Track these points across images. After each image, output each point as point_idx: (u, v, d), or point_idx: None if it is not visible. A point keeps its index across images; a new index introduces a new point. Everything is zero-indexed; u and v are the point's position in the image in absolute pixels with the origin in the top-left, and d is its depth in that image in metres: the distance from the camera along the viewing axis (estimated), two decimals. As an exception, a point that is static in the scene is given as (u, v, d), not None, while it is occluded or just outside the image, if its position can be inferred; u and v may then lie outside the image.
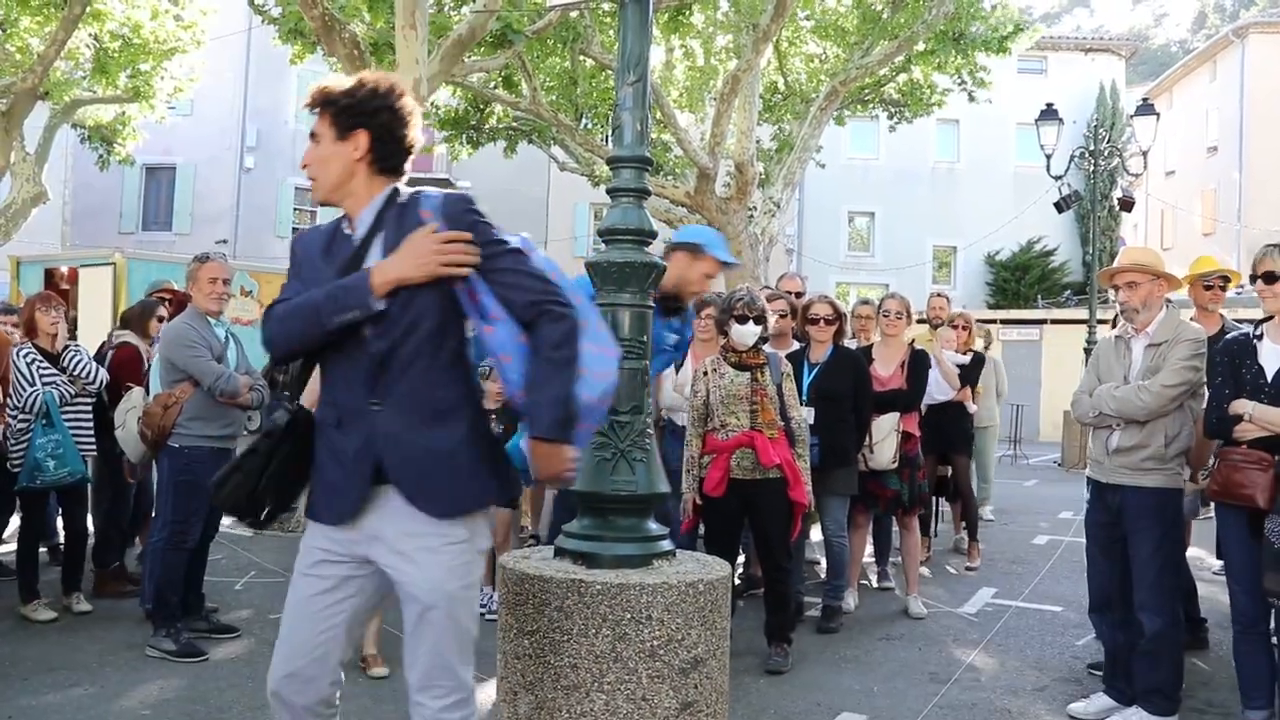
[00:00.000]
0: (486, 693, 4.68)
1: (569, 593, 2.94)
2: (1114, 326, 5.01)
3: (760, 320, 5.21)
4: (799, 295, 6.70)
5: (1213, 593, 6.21)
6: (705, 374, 5.26)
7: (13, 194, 15.06)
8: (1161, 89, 36.43)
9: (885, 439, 6.13)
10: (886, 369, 6.36)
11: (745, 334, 5.16)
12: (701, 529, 5.33)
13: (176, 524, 5.24)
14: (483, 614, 5.94)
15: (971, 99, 16.57)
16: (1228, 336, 4.41)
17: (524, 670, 3.00)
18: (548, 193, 30.55)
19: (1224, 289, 5.53)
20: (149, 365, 6.07)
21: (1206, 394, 4.34)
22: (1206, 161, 33.09)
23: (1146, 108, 15.93)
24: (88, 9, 13.38)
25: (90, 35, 14.81)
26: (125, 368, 6.34)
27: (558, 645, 2.93)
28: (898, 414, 6.19)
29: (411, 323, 2.50)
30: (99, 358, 6.76)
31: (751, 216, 14.54)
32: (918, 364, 6.37)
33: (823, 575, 6.64)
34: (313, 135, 2.64)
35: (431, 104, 14.68)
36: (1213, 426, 4.20)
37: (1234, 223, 29.77)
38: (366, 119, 2.59)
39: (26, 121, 14.54)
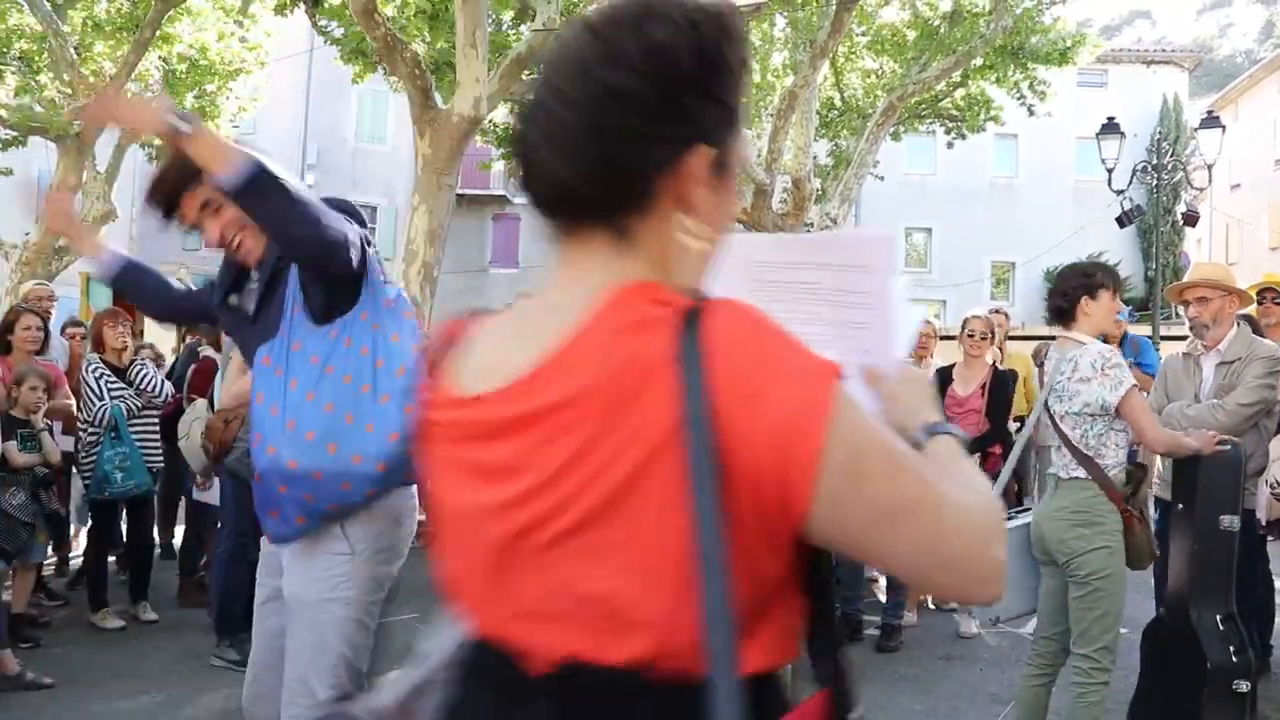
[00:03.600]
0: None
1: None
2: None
3: None
4: None
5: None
6: None
7: (84, 212, 15.41)
8: (1227, 101, 35.74)
9: None
10: (965, 389, 6.08)
11: None
12: None
13: (240, 536, 5.32)
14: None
15: (1031, 113, 16.40)
16: None
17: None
18: (602, 209, 30.64)
19: (1277, 303, 5.30)
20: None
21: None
22: (1274, 174, 32.37)
23: (1211, 120, 15.62)
24: (158, 33, 13.72)
25: (159, 58, 15.17)
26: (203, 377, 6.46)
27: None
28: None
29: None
30: (169, 372, 6.91)
31: (808, 233, 14.49)
32: (1000, 385, 6.02)
33: (881, 594, 6.56)
34: (205, 205, 2.54)
35: (490, 121, 14.84)
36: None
37: (1303, 237, 29.09)
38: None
39: (97, 141, 14.93)
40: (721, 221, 1.09)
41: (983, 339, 6.16)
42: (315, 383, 2.44)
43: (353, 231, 2.44)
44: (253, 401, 2.50)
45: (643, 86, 0.98)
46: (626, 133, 0.99)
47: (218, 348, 6.67)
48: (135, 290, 2.95)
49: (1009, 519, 1.98)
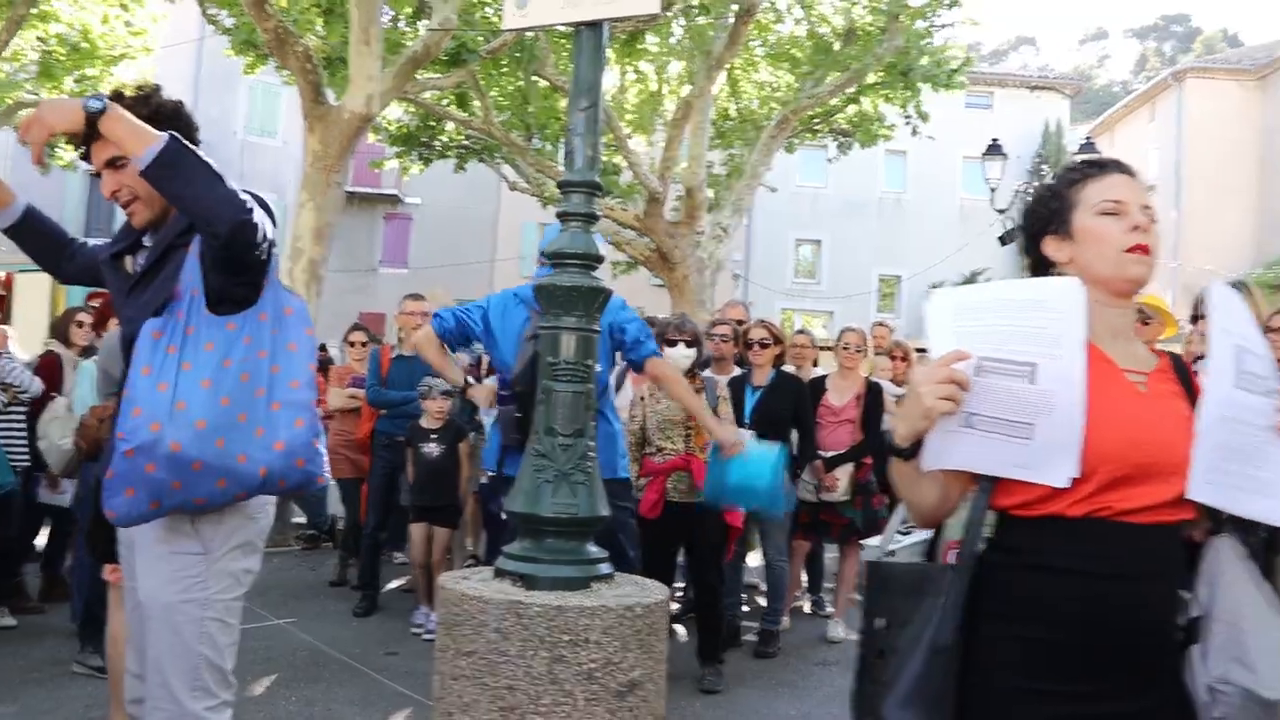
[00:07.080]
0: (424, 716, 4.64)
1: (507, 614, 2.93)
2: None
3: (692, 343, 5.16)
4: (741, 323, 6.72)
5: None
6: (642, 399, 5.27)
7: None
8: (1104, 127, 37.28)
9: (842, 474, 6.16)
10: (840, 399, 6.33)
11: (675, 358, 5.07)
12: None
13: (108, 538, 5.14)
14: (418, 634, 5.96)
15: (915, 133, 16.80)
16: None
17: (461, 691, 2.99)
18: (497, 211, 30.50)
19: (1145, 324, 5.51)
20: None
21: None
22: (1145, 200, 33.84)
23: (1089, 146, 16.32)
24: (34, 9, 13.17)
25: (36, 38, 14.57)
26: (46, 376, 6.20)
27: (495, 666, 2.93)
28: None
29: None
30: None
31: (699, 241, 14.63)
32: (873, 397, 6.31)
33: (761, 599, 6.67)
34: (111, 162, 2.53)
35: (383, 120, 14.63)
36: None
37: (1170, 261, 30.48)
38: (170, 122, 2.50)
39: (-34, 124, 14.30)
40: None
41: (857, 351, 6.46)
42: (212, 372, 2.38)
43: (265, 222, 2.44)
44: (133, 371, 2.39)
45: None
46: None
47: (65, 342, 6.40)
48: (39, 242, 2.91)
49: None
